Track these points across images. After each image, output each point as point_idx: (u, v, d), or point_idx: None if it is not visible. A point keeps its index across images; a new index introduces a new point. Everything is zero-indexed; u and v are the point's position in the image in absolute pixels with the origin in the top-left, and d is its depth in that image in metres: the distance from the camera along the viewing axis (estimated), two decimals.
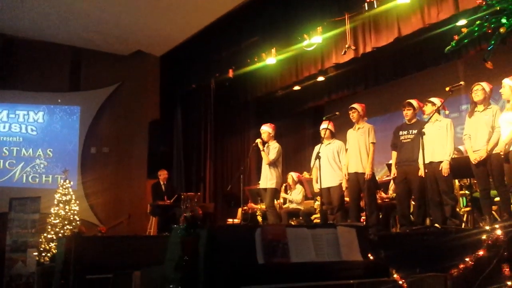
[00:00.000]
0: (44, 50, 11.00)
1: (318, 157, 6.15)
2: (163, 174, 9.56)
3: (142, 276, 3.89)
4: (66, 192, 9.66)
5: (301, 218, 7.51)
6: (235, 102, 11.26)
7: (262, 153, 6.92)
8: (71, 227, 9.32)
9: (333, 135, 6.64)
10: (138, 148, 11.35)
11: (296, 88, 10.26)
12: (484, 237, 3.68)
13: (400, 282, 3.22)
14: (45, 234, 9.18)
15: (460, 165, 5.51)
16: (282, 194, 8.06)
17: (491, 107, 5.24)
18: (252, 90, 10.57)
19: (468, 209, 6.13)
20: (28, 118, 11.14)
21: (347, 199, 6.57)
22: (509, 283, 3.29)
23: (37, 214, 9.08)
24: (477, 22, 5.45)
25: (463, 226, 5.72)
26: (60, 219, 9.34)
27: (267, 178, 6.83)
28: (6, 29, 10.46)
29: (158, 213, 9.28)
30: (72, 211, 9.55)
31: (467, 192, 6.24)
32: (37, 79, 11.00)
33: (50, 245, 9.00)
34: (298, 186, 8.03)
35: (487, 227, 3.88)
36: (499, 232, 3.63)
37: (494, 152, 5.00)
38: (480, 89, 5.22)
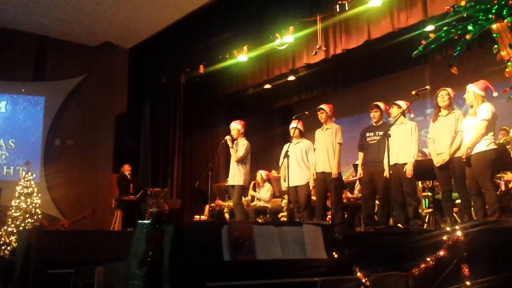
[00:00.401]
0: (8, 38, 10.62)
1: (286, 155, 6.17)
2: (127, 167, 9.46)
3: (105, 271, 3.82)
4: (28, 185, 9.43)
5: (268, 216, 7.53)
6: (205, 98, 11.20)
7: (231, 150, 6.89)
8: (33, 221, 9.12)
9: (302, 135, 6.68)
10: (104, 141, 11.14)
11: (267, 86, 10.30)
12: (445, 238, 3.78)
13: (363, 280, 3.28)
14: (5, 227, 8.94)
15: (424, 168, 5.65)
16: (251, 192, 8.06)
17: (454, 112, 5.36)
18: (222, 87, 10.54)
19: (430, 210, 6.30)
20: None
21: (313, 198, 6.63)
22: (468, 282, 3.39)
23: None
24: (445, 28, 5.61)
25: (425, 227, 5.86)
26: (21, 212, 9.11)
27: (235, 175, 6.81)
28: None
29: (123, 208, 9.16)
30: (33, 204, 9.33)
31: (429, 193, 6.40)
32: (0, 68, 10.63)
33: (10, 239, 8.77)
34: (267, 184, 8.05)
35: (448, 228, 3.98)
36: (459, 233, 3.73)
37: (456, 155, 5.13)
38: (446, 94, 5.32)
